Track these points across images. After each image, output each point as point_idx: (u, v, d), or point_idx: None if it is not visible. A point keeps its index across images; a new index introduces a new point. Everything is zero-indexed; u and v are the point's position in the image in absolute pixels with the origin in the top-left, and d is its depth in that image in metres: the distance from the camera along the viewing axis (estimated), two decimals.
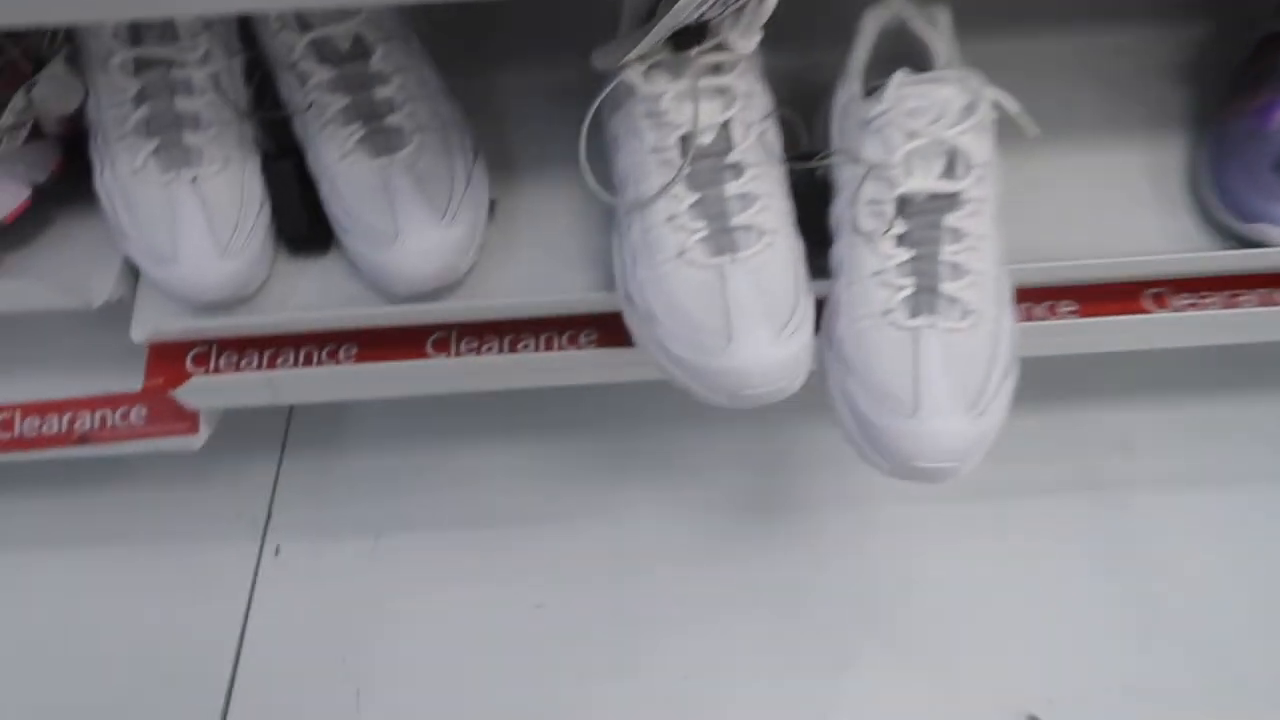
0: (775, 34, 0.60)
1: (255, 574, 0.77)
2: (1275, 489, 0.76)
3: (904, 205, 0.50)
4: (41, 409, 0.71)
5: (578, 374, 0.64)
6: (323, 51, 0.56)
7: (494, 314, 0.60)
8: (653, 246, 0.51)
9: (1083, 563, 0.74)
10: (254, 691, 0.71)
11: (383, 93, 0.57)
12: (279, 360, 0.64)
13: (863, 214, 0.51)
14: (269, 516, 0.80)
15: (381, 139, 0.57)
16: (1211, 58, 0.67)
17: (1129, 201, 0.62)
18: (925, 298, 0.49)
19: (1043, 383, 0.81)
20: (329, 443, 0.83)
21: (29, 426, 0.71)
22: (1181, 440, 0.79)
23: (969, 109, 0.50)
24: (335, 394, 0.65)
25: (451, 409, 0.84)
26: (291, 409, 0.86)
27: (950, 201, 0.50)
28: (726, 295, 0.49)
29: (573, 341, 0.63)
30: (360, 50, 0.57)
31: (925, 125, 0.50)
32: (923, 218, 0.50)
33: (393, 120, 0.57)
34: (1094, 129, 0.64)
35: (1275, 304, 0.62)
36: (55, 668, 0.72)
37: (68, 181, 0.62)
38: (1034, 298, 0.63)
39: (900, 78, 0.51)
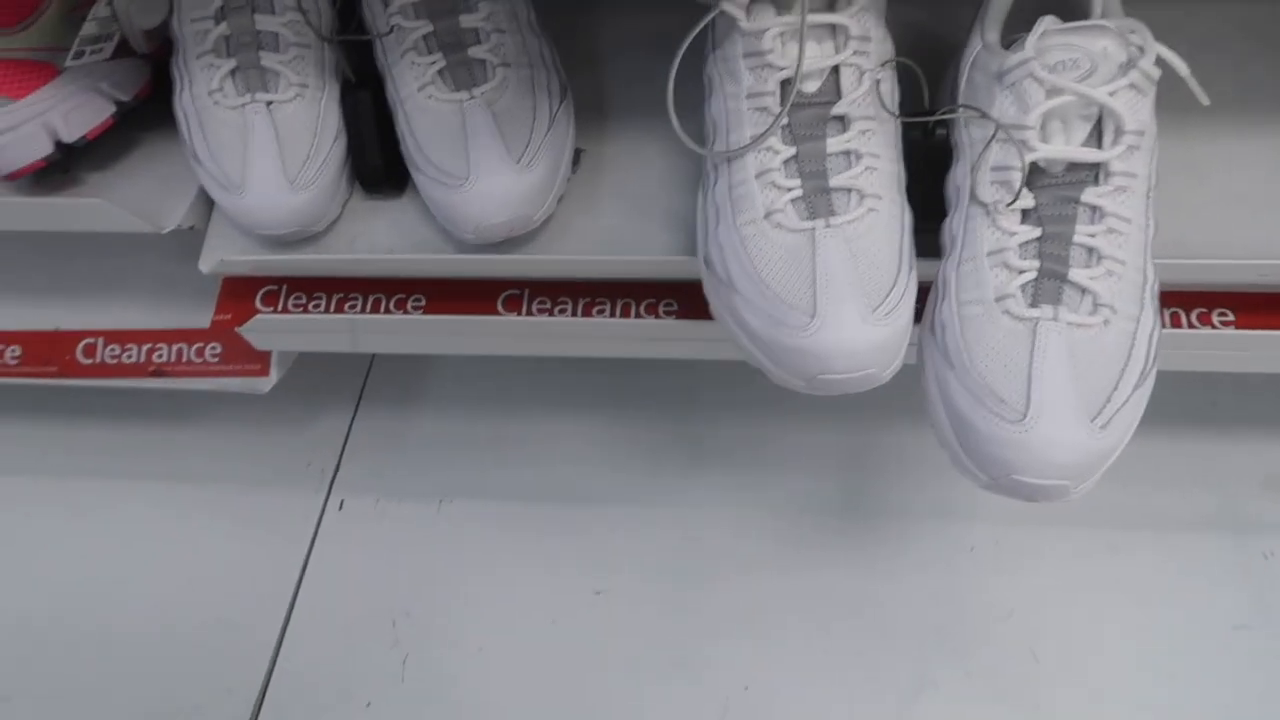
0: None
1: (318, 526, 0.75)
2: None
3: (1036, 175, 0.43)
4: (122, 337, 0.71)
5: (655, 346, 0.59)
6: None
7: (562, 271, 0.56)
8: (738, 204, 0.45)
9: (1211, 612, 0.65)
10: (303, 644, 0.69)
11: (469, 21, 0.53)
12: (347, 305, 0.61)
13: (984, 182, 0.44)
14: (337, 469, 0.78)
15: (463, 71, 0.53)
16: None
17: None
18: (1050, 285, 0.42)
19: (1187, 399, 0.73)
20: (406, 400, 0.81)
21: (109, 354, 0.70)
22: None
23: (1126, 66, 0.43)
24: (401, 346, 0.62)
25: (535, 375, 0.81)
26: (372, 362, 0.84)
27: (1092, 173, 0.43)
28: (815, 264, 0.43)
29: (651, 310, 0.58)
30: None
31: (1071, 81, 0.42)
32: (1058, 190, 0.43)
33: (476, 52, 0.53)
34: (1272, 107, 0.55)
35: None
36: (110, 599, 0.72)
37: (156, 103, 0.60)
38: (1184, 302, 0.55)
39: (1047, 24, 0.44)
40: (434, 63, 0.53)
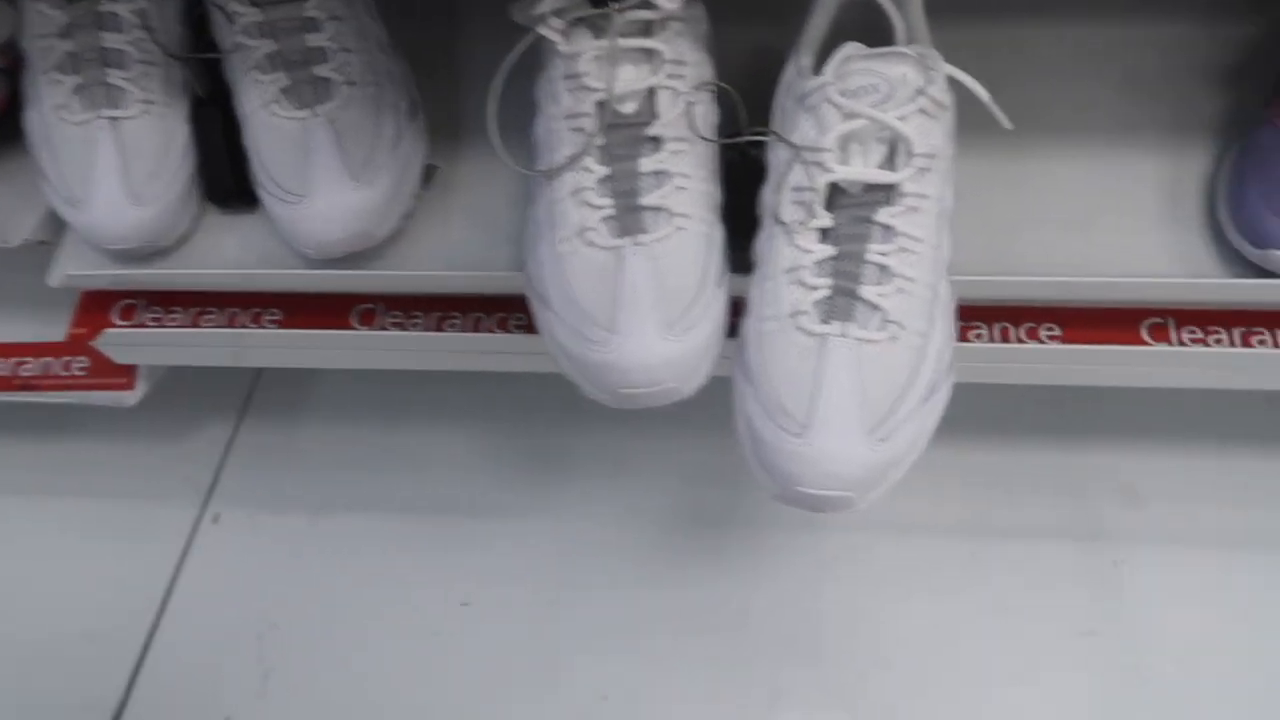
0: (742, 5, 0.56)
1: (190, 540, 0.75)
2: None
3: (838, 195, 0.45)
4: None
5: (505, 360, 0.60)
6: None
7: (406, 286, 0.57)
8: (555, 222, 0.46)
9: (1061, 619, 0.67)
10: (166, 658, 0.69)
11: (314, 40, 0.54)
12: (203, 320, 0.61)
13: (785, 202, 0.45)
14: (215, 482, 0.78)
15: (307, 90, 0.53)
16: (1258, 60, 0.59)
17: (1133, 215, 0.55)
18: (842, 302, 0.43)
19: (1043, 411, 0.75)
20: (291, 411, 0.81)
21: None
22: (1195, 492, 0.71)
23: (919, 92, 0.44)
24: (258, 359, 0.62)
25: (418, 385, 0.81)
26: (260, 372, 0.84)
27: (886, 195, 0.44)
28: (619, 281, 0.44)
29: (502, 325, 0.59)
30: None
31: (866, 106, 0.44)
32: (854, 211, 0.44)
33: (321, 70, 0.53)
34: (1107, 130, 0.57)
35: None
36: None
37: (14, 116, 0.60)
38: (1011, 317, 0.57)
39: (849, 50, 0.45)
40: (276, 80, 0.53)
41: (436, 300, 0.60)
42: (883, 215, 0.44)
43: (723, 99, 0.50)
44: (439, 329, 0.59)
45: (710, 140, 0.47)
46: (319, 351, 0.60)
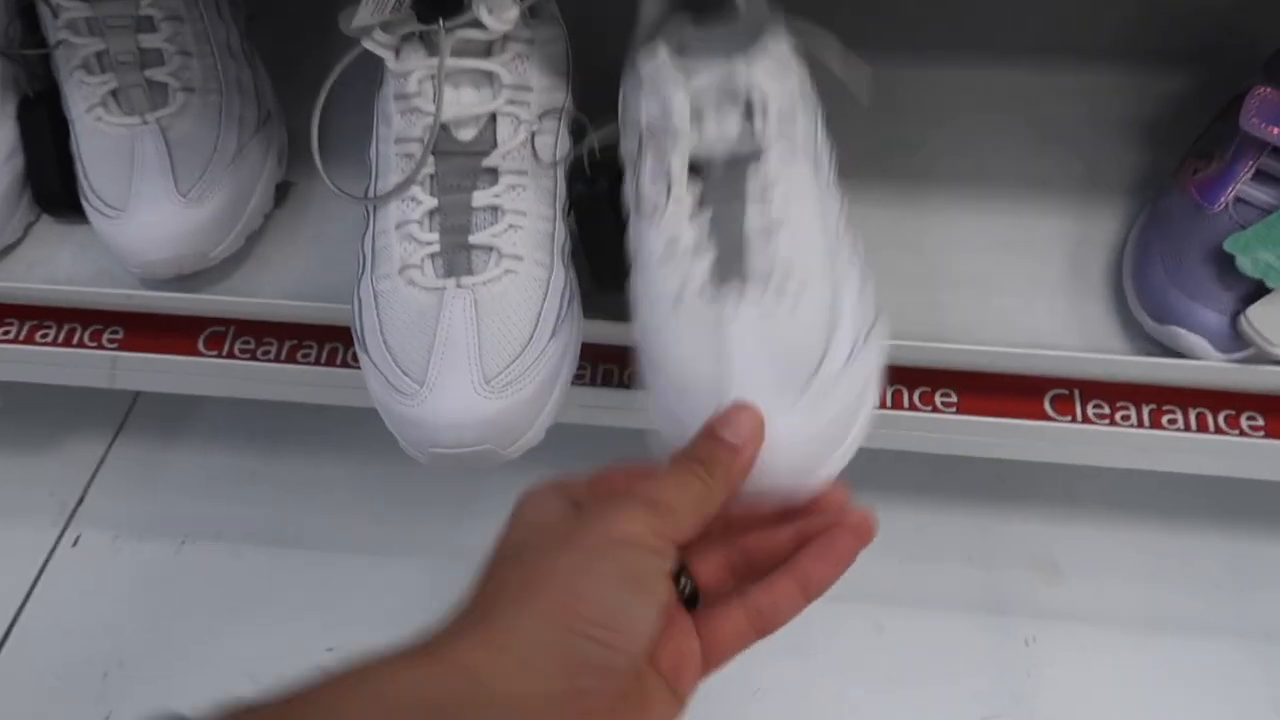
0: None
1: (46, 563, 0.70)
2: (1208, 642, 0.63)
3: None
4: None
5: (363, 396, 0.55)
6: None
7: (245, 312, 0.52)
8: (378, 256, 0.42)
9: (964, 697, 0.62)
10: (5, 691, 0.64)
11: (149, 42, 0.49)
12: (39, 334, 0.56)
13: (646, 188, 0.40)
14: (80, 501, 0.73)
15: (139, 94, 0.49)
16: (1185, 115, 0.54)
17: (1037, 277, 0.51)
18: (730, 267, 0.37)
19: (954, 472, 0.70)
20: (169, 430, 0.76)
21: None
22: (1116, 568, 0.66)
23: (761, 48, 0.39)
24: (97, 380, 0.57)
25: (303, 412, 0.76)
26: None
27: (747, 155, 0.39)
28: (437, 327, 0.39)
29: (356, 359, 0.54)
30: None
31: (708, 71, 0.38)
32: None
33: (156, 74, 0.49)
34: (1013, 183, 0.53)
35: (1207, 431, 0.50)
36: None
37: None
38: (906, 380, 0.52)
39: (678, 20, 0.40)
40: (105, 83, 0.49)
41: (287, 328, 0.55)
42: (752, 175, 0.38)
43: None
44: (290, 359, 0.55)
45: (552, 166, 0.43)
46: (167, 376, 0.55)
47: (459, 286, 0.40)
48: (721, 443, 0.32)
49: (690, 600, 0.33)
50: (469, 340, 0.39)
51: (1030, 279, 0.50)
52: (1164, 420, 0.50)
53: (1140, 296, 0.47)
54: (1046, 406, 0.51)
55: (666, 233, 0.39)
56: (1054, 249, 0.51)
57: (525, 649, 0.26)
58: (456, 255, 0.40)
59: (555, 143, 0.44)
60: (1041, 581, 0.66)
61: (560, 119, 0.44)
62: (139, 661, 0.65)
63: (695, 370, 0.36)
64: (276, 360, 0.55)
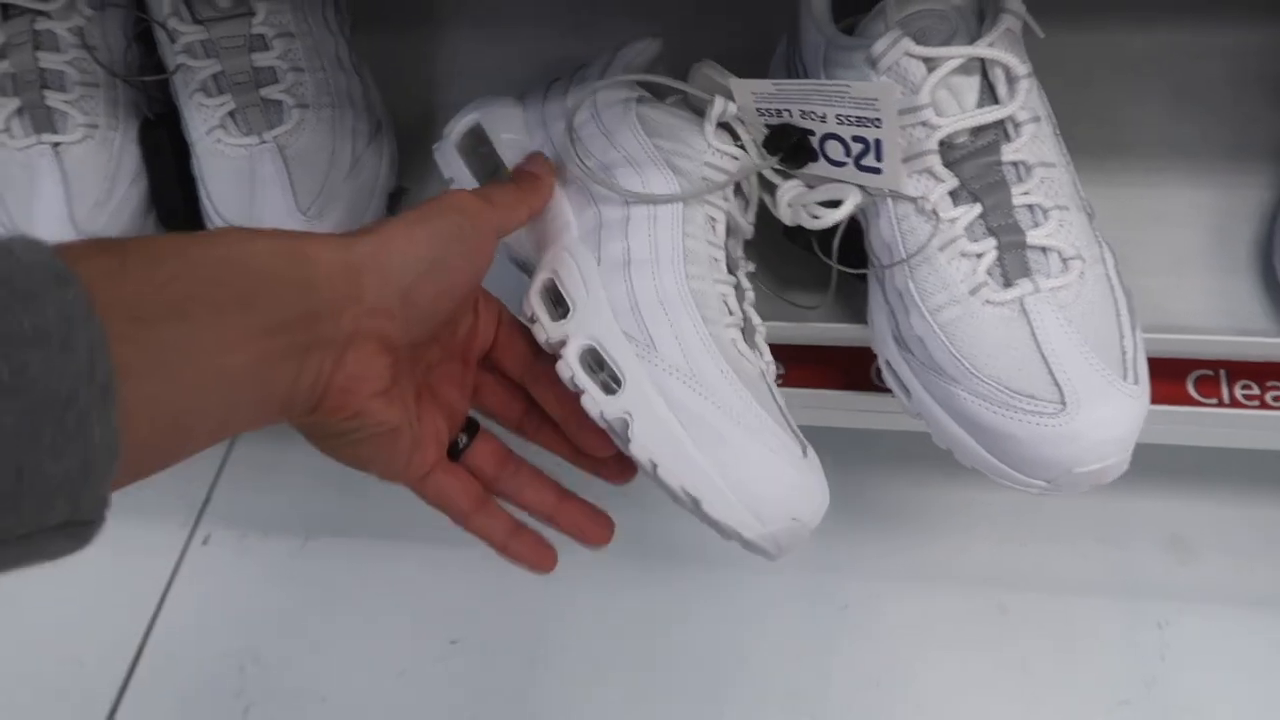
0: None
1: (179, 562, 0.72)
2: None
3: (945, 151, 0.39)
4: None
5: None
6: (195, 7, 0.49)
7: None
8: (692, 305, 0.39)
9: (1097, 684, 0.61)
10: (148, 687, 0.67)
11: (262, 60, 0.49)
12: None
13: (902, 178, 0.39)
14: (207, 500, 0.75)
15: (255, 114, 0.49)
16: None
17: (1178, 252, 0.48)
18: (1014, 257, 0.38)
19: None
20: (285, 430, 0.78)
21: None
22: (1252, 547, 0.64)
23: (994, 12, 0.39)
24: None
25: None
26: None
27: (1001, 131, 0.39)
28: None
29: None
30: (241, 8, 0.49)
31: (946, 46, 0.38)
32: (975, 161, 0.39)
33: (270, 93, 0.49)
34: (1154, 151, 0.50)
35: None
36: None
37: None
38: None
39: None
40: (223, 104, 0.49)
41: None
42: (1009, 153, 0.38)
43: None
44: None
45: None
46: None
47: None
48: (528, 173, 0.40)
49: (453, 456, 0.39)
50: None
51: (1172, 254, 0.48)
52: None
53: None
54: (1190, 389, 0.49)
55: (941, 219, 0.39)
56: (1198, 221, 0.49)
57: (356, 259, 0.31)
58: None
59: None
60: (1175, 561, 0.64)
61: None
62: (273, 656, 0.68)
63: (1015, 366, 0.37)
64: None
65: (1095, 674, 0.61)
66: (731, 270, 0.40)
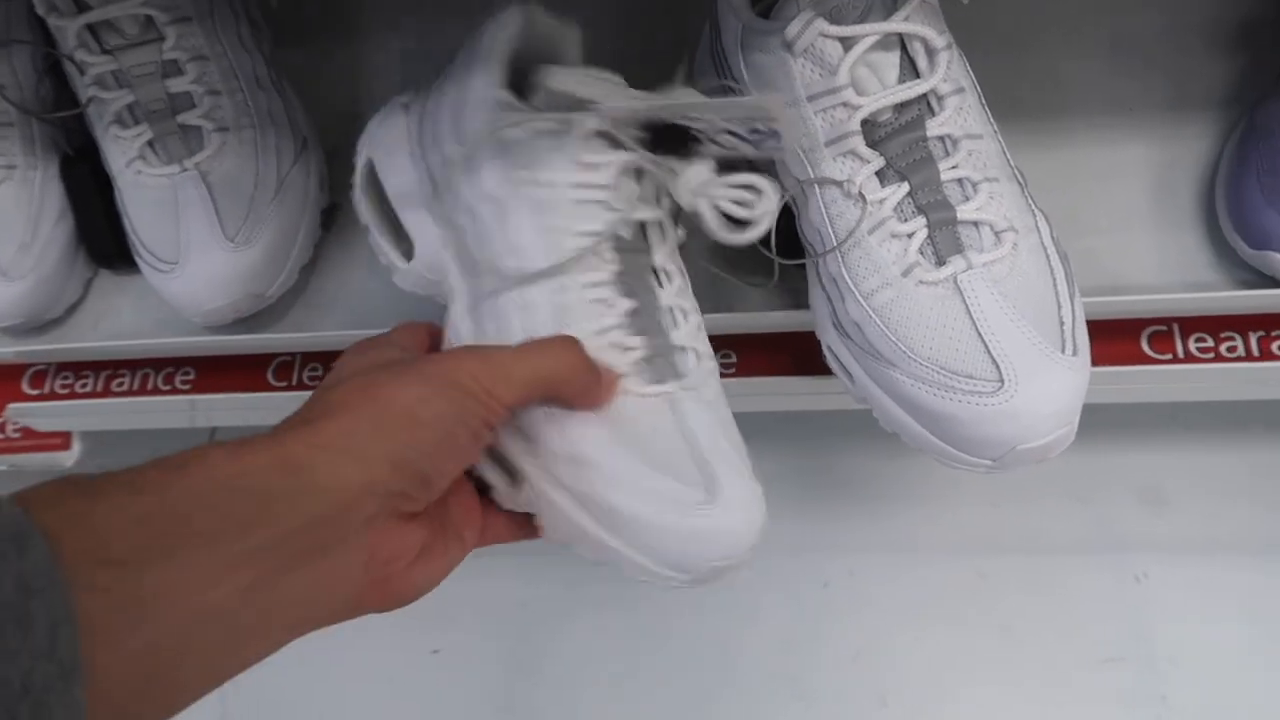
0: None
1: None
2: None
3: (868, 130, 0.38)
4: None
5: None
6: (102, 37, 0.47)
7: (313, 345, 0.52)
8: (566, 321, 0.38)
9: (1081, 643, 0.61)
10: None
11: (176, 86, 0.48)
12: (114, 383, 0.57)
13: (826, 160, 0.38)
14: None
15: (174, 142, 0.48)
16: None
17: (1121, 208, 0.47)
18: (945, 234, 0.37)
19: None
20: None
21: None
22: (1226, 490, 0.63)
23: None
24: (175, 421, 0.58)
25: None
26: None
27: (924, 106, 0.38)
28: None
29: None
30: (150, 34, 0.48)
31: (861, 24, 0.37)
32: (899, 139, 0.38)
33: (188, 119, 0.48)
34: (1090, 106, 0.49)
35: None
36: None
37: None
38: None
39: None
40: (140, 134, 0.48)
41: None
42: (934, 127, 0.37)
43: None
44: None
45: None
46: (241, 411, 0.55)
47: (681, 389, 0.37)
48: (597, 378, 0.34)
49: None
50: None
51: (1118, 211, 0.47)
52: (1274, 347, 0.47)
53: (1234, 220, 0.43)
54: (1144, 346, 0.48)
55: (868, 202, 0.38)
56: (1141, 176, 0.48)
57: (357, 447, 0.28)
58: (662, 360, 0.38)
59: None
60: (1149, 513, 0.64)
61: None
62: (255, 674, 0.67)
63: (952, 345, 0.36)
64: None
65: (1078, 632, 0.61)
66: (631, 293, 0.37)
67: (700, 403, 0.36)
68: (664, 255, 0.39)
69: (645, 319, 0.37)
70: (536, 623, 0.66)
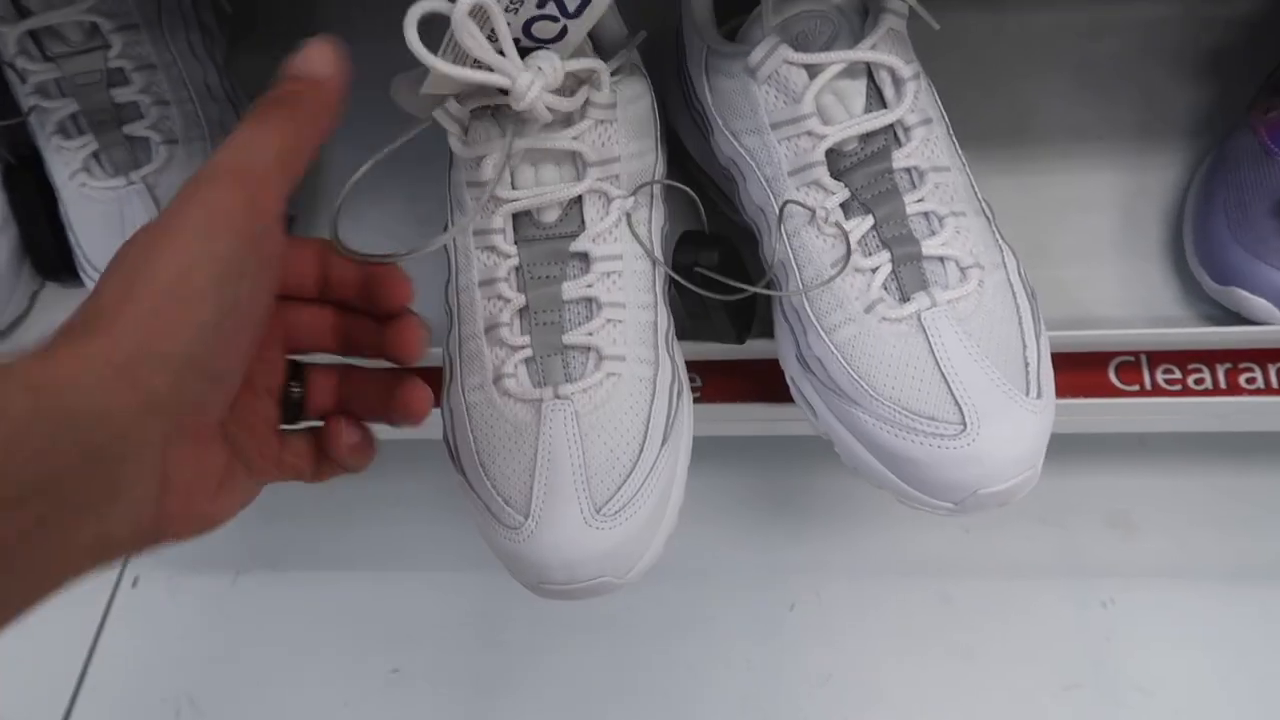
0: None
1: (108, 608, 0.70)
2: None
3: (832, 160, 0.37)
4: None
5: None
6: (44, 43, 0.46)
7: None
8: (467, 364, 0.38)
9: (1043, 668, 0.60)
10: None
11: (123, 95, 0.47)
12: None
13: (789, 190, 0.37)
14: None
15: (120, 153, 0.47)
16: (1254, 45, 0.49)
17: (1087, 238, 0.47)
18: (910, 270, 0.36)
19: None
20: None
21: None
22: (1196, 518, 0.63)
23: (876, 12, 0.37)
24: None
25: None
26: None
27: (890, 136, 0.37)
28: (538, 446, 0.35)
29: None
30: (95, 41, 0.46)
31: (834, 51, 0.36)
32: (865, 169, 0.37)
33: (135, 129, 0.47)
34: (1058, 135, 0.48)
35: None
36: None
37: None
38: None
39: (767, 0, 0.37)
40: (85, 145, 0.46)
41: None
42: (900, 159, 0.37)
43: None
44: None
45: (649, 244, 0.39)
46: None
47: (557, 397, 0.36)
48: (304, 79, 0.29)
49: (292, 411, 0.32)
50: (574, 461, 0.35)
51: (1084, 242, 0.47)
52: (1241, 380, 0.46)
53: (1200, 254, 0.43)
54: (1112, 376, 0.47)
55: (830, 235, 0.37)
56: (1108, 206, 0.47)
57: (125, 358, 0.23)
58: (550, 361, 0.37)
59: (650, 216, 0.39)
60: (1117, 538, 0.63)
61: (653, 188, 0.40)
62: (210, 698, 0.66)
63: (914, 385, 0.35)
64: None
65: (1043, 658, 0.61)
66: (524, 287, 0.37)
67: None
68: None
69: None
70: (499, 642, 0.65)
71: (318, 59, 0.30)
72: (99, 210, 0.46)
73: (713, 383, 0.50)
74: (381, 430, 0.53)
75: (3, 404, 0.22)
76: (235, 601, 0.69)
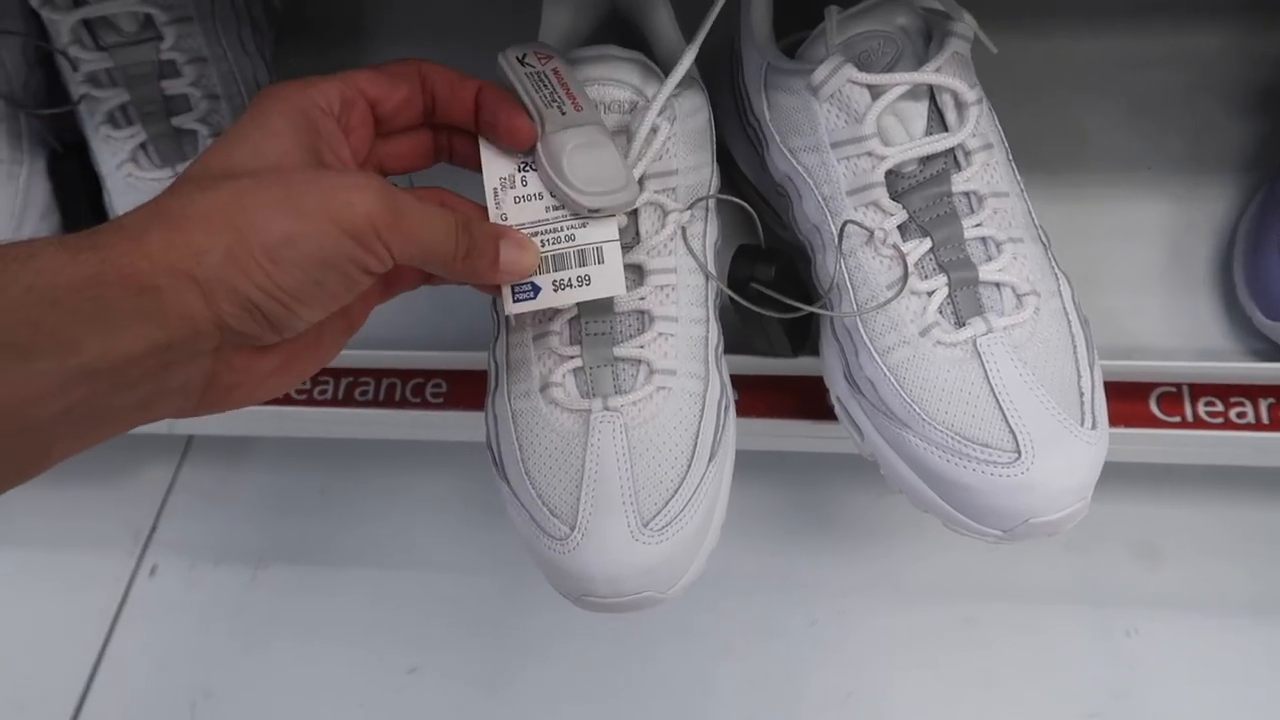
0: None
1: (125, 596, 0.70)
2: None
3: (891, 181, 0.37)
4: None
5: (427, 431, 0.54)
6: (97, 33, 0.46)
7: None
8: (514, 371, 0.38)
9: (1064, 697, 0.60)
10: None
11: (174, 88, 0.47)
12: None
13: (847, 210, 0.37)
14: (153, 528, 0.73)
15: (168, 145, 0.47)
16: None
17: (1138, 270, 0.47)
18: (966, 295, 0.36)
19: None
20: (233, 453, 0.76)
21: None
22: (1222, 550, 0.63)
23: (941, 36, 0.37)
24: (155, 429, 0.56)
25: None
26: None
27: (950, 160, 0.37)
28: (585, 458, 0.35)
29: (415, 395, 0.53)
30: (148, 33, 0.46)
31: (890, 72, 0.36)
32: (923, 192, 0.37)
33: (183, 122, 0.47)
34: (1109, 165, 0.48)
35: None
36: None
37: None
38: None
39: (835, 15, 0.37)
40: (133, 136, 0.46)
41: (342, 369, 0.53)
42: (959, 183, 0.36)
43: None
44: (349, 397, 0.53)
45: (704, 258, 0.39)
46: (216, 420, 0.54)
47: (606, 409, 0.36)
48: (494, 242, 0.32)
49: None
50: (622, 474, 0.35)
51: (1132, 272, 0.46)
52: None
53: (1251, 288, 0.43)
54: (1153, 407, 0.47)
55: (887, 256, 0.37)
56: (1157, 237, 0.47)
57: (207, 276, 0.25)
58: (600, 371, 0.36)
59: (705, 230, 0.39)
60: (1143, 568, 0.63)
61: (708, 202, 0.39)
62: (226, 690, 0.66)
63: (969, 411, 0.35)
64: (334, 400, 0.53)
65: (1064, 685, 0.60)
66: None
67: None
68: None
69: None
70: (516, 643, 0.65)
71: (521, 253, 0.34)
72: (144, 200, 0.46)
73: (748, 396, 0.50)
74: (404, 429, 0.54)
75: (85, 286, 0.24)
76: (253, 595, 0.69)
